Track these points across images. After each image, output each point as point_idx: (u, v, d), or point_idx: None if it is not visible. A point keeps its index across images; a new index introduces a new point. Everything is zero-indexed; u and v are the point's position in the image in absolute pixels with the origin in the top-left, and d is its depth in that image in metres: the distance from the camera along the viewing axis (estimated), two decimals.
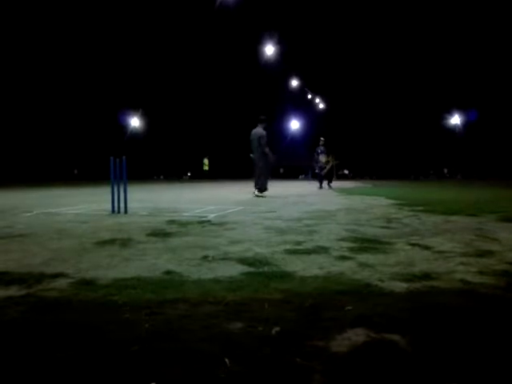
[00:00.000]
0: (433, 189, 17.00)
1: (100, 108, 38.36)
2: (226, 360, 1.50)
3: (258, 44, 30.44)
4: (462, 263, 2.99)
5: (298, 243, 3.79)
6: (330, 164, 19.89)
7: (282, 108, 42.86)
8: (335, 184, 22.51)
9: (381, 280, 2.55)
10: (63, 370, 1.45)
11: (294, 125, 45.32)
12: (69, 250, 3.52)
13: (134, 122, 41.24)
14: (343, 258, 3.19)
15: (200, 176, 40.76)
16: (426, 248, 3.57)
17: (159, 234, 4.39)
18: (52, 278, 2.64)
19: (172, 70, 41.38)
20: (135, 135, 41.17)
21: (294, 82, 38.05)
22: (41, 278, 2.63)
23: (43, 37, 33.95)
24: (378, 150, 44.42)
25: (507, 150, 36.49)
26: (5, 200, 9.85)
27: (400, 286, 2.42)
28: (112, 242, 3.92)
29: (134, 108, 39.99)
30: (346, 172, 45.64)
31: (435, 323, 1.86)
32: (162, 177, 45.02)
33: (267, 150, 11.07)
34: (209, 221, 5.51)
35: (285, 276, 2.65)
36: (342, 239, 4.00)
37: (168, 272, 2.77)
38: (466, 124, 41.17)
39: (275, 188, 16.25)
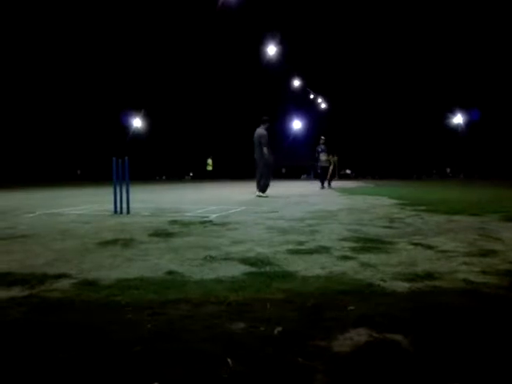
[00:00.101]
0: (435, 188, 16.97)
1: (102, 109, 38.42)
2: (229, 360, 1.50)
3: (260, 44, 30.46)
4: (465, 263, 2.99)
5: (300, 243, 3.79)
6: (332, 164, 19.90)
7: (284, 108, 42.87)
8: (337, 184, 22.51)
9: (383, 280, 2.55)
10: (66, 371, 1.46)
11: (296, 125, 45.31)
12: (71, 251, 3.53)
13: (137, 122, 41.31)
14: (345, 257, 3.19)
15: (202, 176, 40.77)
16: (429, 248, 3.56)
17: (161, 234, 4.40)
18: (55, 278, 2.64)
19: (174, 71, 41.43)
20: (137, 136, 41.23)
21: (296, 82, 38.06)
22: (43, 278, 2.64)
23: (45, 37, 34.03)
24: (381, 149, 44.35)
25: (510, 149, 36.39)
26: (7, 201, 9.88)
27: (402, 286, 2.41)
28: (114, 242, 3.93)
29: (136, 109, 40.06)
30: (348, 172, 45.57)
31: (437, 323, 1.86)
32: (164, 177, 45.07)
33: (265, 149, 11.07)
34: (211, 221, 5.51)
35: (287, 276, 2.65)
36: (344, 239, 4.00)
37: (170, 272, 2.77)
38: (468, 123, 41.08)
39: (277, 188, 16.24)
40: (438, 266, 2.92)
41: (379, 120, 43.20)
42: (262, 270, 2.83)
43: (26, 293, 2.34)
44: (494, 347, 1.62)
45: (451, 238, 4.02)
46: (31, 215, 6.38)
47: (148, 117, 41.42)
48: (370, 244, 3.72)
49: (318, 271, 2.78)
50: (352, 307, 2.05)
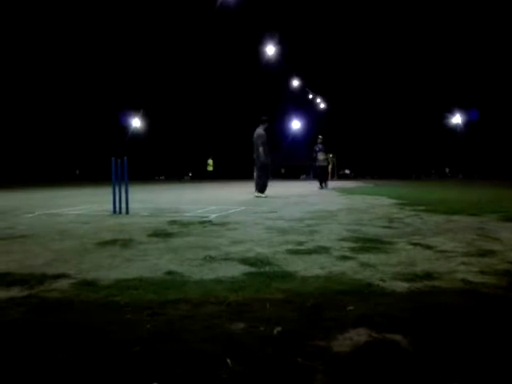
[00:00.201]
0: (434, 188, 16.98)
1: (101, 109, 38.39)
2: (228, 360, 1.50)
3: (259, 44, 30.47)
4: (464, 263, 2.99)
5: (300, 243, 3.79)
6: (331, 163, 19.90)
7: (284, 108, 42.88)
8: (336, 184, 22.51)
9: (382, 280, 2.55)
10: (65, 371, 1.46)
11: (296, 125, 45.31)
12: (70, 251, 3.53)
13: (136, 122, 41.28)
14: (345, 257, 3.19)
15: (201, 176, 40.76)
16: (428, 248, 3.57)
17: (161, 234, 4.40)
18: (54, 278, 2.64)
19: (173, 71, 41.42)
20: (136, 136, 41.21)
21: (295, 82, 38.07)
22: (42, 278, 2.63)
23: (45, 38, 34.00)
24: (380, 149, 44.38)
25: (509, 149, 36.43)
26: (6, 201, 9.87)
27: (401, 286, 2.42)
28: (113, 242, 3.93)
29: (135, 109, 40.04)
30: (348, 172, 45.59)
31: (437, 323, 1.86)
32: (162, 177, 45.05)
33: (261, 149, 11.07)
34: (210, 221, 5.51)
35: (286, 276, 2.65)
36: (344, 239, 4.00)
37: (170, 272, 2.77)
38: (467, 123, 41.12)
39: (276, 188, 16.25)
40: (437, 266, 2.92)
41: (378, 120, 43.23)
42: (262, 270, 2.83)
43: (25, 293, 2.34)
44: (492, 347, 1.62)
45: (450, 238, 4.02)
46: (30, 215, 6.37)
47: (147, 117, 41.39)
48: (369, 244, 3.72)
49: (317, 271, 2.78)
50: (351, 307, 2.05)
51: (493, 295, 2.25)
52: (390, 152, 44.15)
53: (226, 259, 3.17)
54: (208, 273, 2.77)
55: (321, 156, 17.43)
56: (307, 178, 36.48)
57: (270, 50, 30.06)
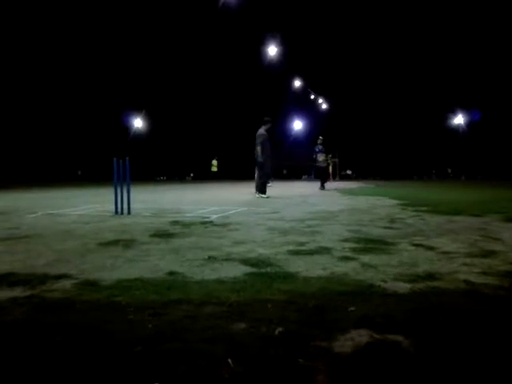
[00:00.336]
0: (436, 189, 16.96)
1: (103, 109, 38.46)
2: (230, 360, 1.50)
3: (261, 45, 30.49)
4: (466, 264, 2.99)
5: (301, 244, 3.79)
6: (331, 164, 19.92)
7: (286, 108, 42.90)
8: (338, 184, 22.50)
9: (384, 281, 2.55)
10: (67, 371, 1.46)
11: (297, 125, 45.28)
12: (72, 251, 3.53)
13: (137, 123, 41.32)
14: (346, 258, 3.19)
15: (203, 177, 40.78)
16: (430, 248, 3.56)
17: (162, 234, 4.40)
18: (56, 278, 2.65)
19: (175, 72, 41.47)
20: (138, 136, 41.25)
21: (298, 83, 38.09)
22: (45, 278, 2.64)
23: (46, 37, 34.08)
24: (382, 150, 44.35)
25: (511, 150, 36.37)
26: (9, 201, 9.89)
27: (403, 287, 2.42)
28: (115, 242, 3.94)
29: (137, 109, 40.08)
30: (349, 172, 45.56)
31: (438, 324, 1.86)
32: (164, 178, 45.08)
33: (258, 148, 11.08)
34: (212, 222, 5.52)
35: (288, 277, 2.66)
36: (345, 240, 4.00)
37: (171, 273, 2.78)
38: (469, 124, 41.05)
39: (278, 188, 16.26)
40: (439, 266, 2.92)
41: (380, 121, 43.20)
42: (263, 270, 2.83)
43: (28, 293, 2.35)
44: (494, 348, 1.62)
45: (452, 239, 4.02)
46: (33, 215, 6.38)
47: (149, 117, 41.44)
48: (371, 245, 3.72)
49: (319, 272, 2.78)
50: (353, 308, 2.05)
51: (495, 296, 2.25)
52: (391, 153, 44.13)
53: (227, 260, 3.17)
54: (210, 273, 2.77)
55: (320, 157, 17.36)
56: (309, 179, 36.44)
57: (272, 50, 30.09)
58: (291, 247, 3.63)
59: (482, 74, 37.51)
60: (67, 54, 36.24)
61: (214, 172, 33.04)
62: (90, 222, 5.52)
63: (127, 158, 6.63)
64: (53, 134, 36.96)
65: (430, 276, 2.64)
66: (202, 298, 2.22)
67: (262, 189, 11.04)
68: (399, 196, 10.99)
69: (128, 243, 3.89)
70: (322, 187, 16.71)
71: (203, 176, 40.88)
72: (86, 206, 8.30)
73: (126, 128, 40.80)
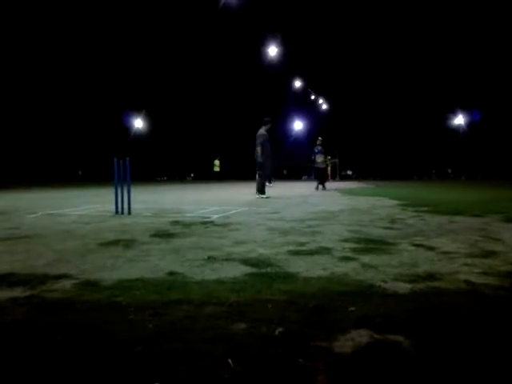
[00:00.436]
0: (436, 189, 16.96)
1: (104, 109, 38.47)
2: (230, 361, 1.50)
3: (261, 45, 30.51)
4: (466, 264, 2.99)
5: (302, 244, 3.79)
6: (329, 165, 19.90)
7: (286, 109, 42.91)
8: (338, 185, 22.49)
9: (384, 281, 2.55)
10: (67, 371, 1.46)
11: (298, 125, 45.29)
12: (73, 251, 3.53)
13: (138, 123, 41.34)
14: (346, 258, 3.19)
15: (204, 177, 40.79)
16: (430, 249, 3.56)
17: (163, 234, 4.40)
18: (56, 279, 2.65)
19: (176, 72, 41.48)
20: (139, 136, 41.27)
21: (298, 83, 38.09)
22: (45, 279, 2.64)
23: (46, 38, 34.09)
24: (382, 150, 44.34)
25: (511, 150, 36.36)
26: (9, 201, 9.89)
27: (404, 287, 2.41)
28: (116, 243, 3.94)
29: (137, 110, 40.09)
30: (350, 173, 45.56)
31: (439, 324, 1.86)
32: (165, 178, 45.10)
33: (258, 149, 11.08)
34: (212, 222, 5.52)
35: (288, 277, 2.66)
36: (346, 240, 4.00)
37: (172, 273, 2.78)
38: (469, 124, 41.04)
39: (278, 189, 16.26)
40: (440, 267, 2.92)
41: (380, 121, 43.19)
42: (264, 270, 2.83)
43: (28, 293, 2.35)
44: (494, 348, 1.62)
45: (452, 239, 4.01)
46: (33, 216, 6.39)
47: (149, 118, 41.45)
48: (371, 245, 3.72)
49: (319, 272, 2.78)
50: (353, 308, 2.05)
51: (495, 296, 2.25)
52: (392, 153, 44.12)
53: (227, 260, 3.17)
54: (210, 273, 2.77)
55: (319, 158, 17.23)
56: (309, 179, 36.44)
57: (273, 51, 30.11)
58: (291, 247, 3.63)
59: (482, 75, 37.50)
60: (68, 55, 36.26)
61: (217, 172, 32.98)
62: (91, 222, 5.52)
63: (127, 159, 6.63)
64: (53, 134, 36.96)
65: (430, 276, 2.64)
66: (202, 298, 2.22)
67: (261, 189, 11.04)
68: (399, 196, 10.99)
69: (128, 243, 3.89)
70: (322, 188, 16.60)
71: (204, 176, 40.91)
72: (86, 206, 8.30)
73: (127, 128, 40.82)
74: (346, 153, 42.33)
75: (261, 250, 3.51)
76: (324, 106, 43.85)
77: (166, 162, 45.91)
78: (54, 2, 33.47)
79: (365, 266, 2.95)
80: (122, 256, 3.33)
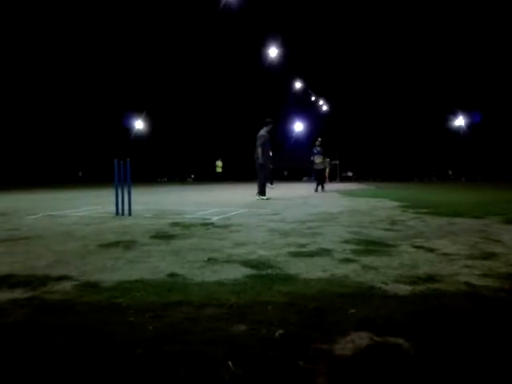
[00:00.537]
0: (437, 191, 16.95)
1: (104, 111, 38.50)
2: (230, 363, 1.50)
3: (262, 46, 30.57)
4: (467, 266, 2.99)
5: (302, 246, 3.79)
6: (327, 167, 19.79)
7: (286, 110, 42.94)
8: (339, 186, 22.50)
9: (384, 283, 2.55)
10: (68, 372, 1.46)
11: (298, 127, 45.30)
12: (73, 253, 3.53)
13: (138, 124, 41.35)
14: (347, 260, 3.19)
15: (205, 178, 40.80)
16: (431, 250, 3.56)
17: (163, 236, 4.40)
18: (56, 280, 2.65)
19: (176, 73, 41.52)
20: (139, 138, 41.28)
21: (298, 84, 38.13)
22: (45, 280, 2.64)
23: (48, 39, 34.13)
24: (382, 152, 44.35)
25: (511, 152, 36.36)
26: (10, 203, 9.90)
27: (404, 289, 2.41)
28: (116, 244, 3.94)
29: (138, 111, 40.11)
30: (350, 174, 45.56)
31: (439, 326, 1.86)
32: (165, 179, 45.10)
33: (259, 150, 11.08)
34: (213, 223, 5.52)
35: (288, 279, 2.65)
36: (346, 241, 4.00)
37: (172, 274, 2.78)
38: (470, 126, 41.04)
39: (279, 190, 16.25)
40: (440, 268, 2.92)
41: (381, 122, 43.21)
42: (264, 272, 2.83)
43: (28, 294, 2.35)
44: (495, 350, 1.62)
45: (453, 241, 4.01)
46: (33, 217, 6.39)
47: (150, 119, 41.48)
48: (371, 246, 3.72)
49: (319, 274, 2.78)
50: (353, 310, 2.05)
51: (495, 298, 2.25)
52: (392, 154, 44.12)
53: (228, 261, 3.17)
54: (210, 275, 2.77)
55: (318, 159, 16.94)
56: (309, 180, 36.48)
57: (273, 52, 30.15)
58: (292, 249, 3.63)
59: (482, 76, 37.51)
60: (68, 56, 36.29)
61: (219, 173, 32.93)
62: (91, 224, 5.52)
63: (128, 160, 6.64)
64: (53, 135, 36.98)
65: (430, 278, 2.64)
66: (202, 300, 2.22)
67: (262, 190, 11.03)
68: (400, 198, 10.99)
69: (129, 244, 3.89)
70: (321, 189, 16.36)
71: (204, 177, 40.92)
72: (86, 207, 8.30)
73: (127, 129, 40.84)
74: (346, 154, 42.36)
75: (261, 252, 3.51)
76: (324, 108, 43.89)
77: (167, 163, 45.91)
78: (55, 2, 33.51)
79: (365, 267, 2.95)
80: (123, 257, 3.33)
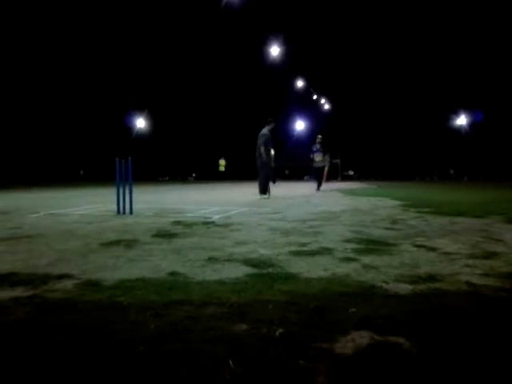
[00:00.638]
0: (438, 190, 16.93)
1: (106, 109, 38.54)
2: (230, 361, 1.50)
3: (263, 45, 30.57)
4: (468, 265, 2.99)
5: (303, 244, 3.79)
6: (327, 165, 19.58)
7: (288, 109, 42.95)
8: (340, 185, 22.48)
9: (385, 282, 2.55)
10: (69, 371, 1.47)
11: (300, 125, 45.28)
12: (74, 251, 3.54)
13: (140, 123, 41.38)
14: (348, 259, 3.19)
15: (206, 177, 40.81)
16: (432, 250, 3.56)
17: (164, 235, 4.41)
18: (58, 278, 2.66)
19: (178, 72, 41.53)
20: (141, 136, 41.31)
21: (300, 83, 38.13)
22: (47, 278, 2.65)
23: (49, 38, 34.15)
24: (383, 151, 44.32)
25: None
26: (11, 201, 9.92)
27: (405, 288, 2.42)
28: (117, 243, 3.94)
29: (139, 109, 40.14)
30: (351, 173, 45.54)
31: (440, 325, 1.86)
32: (166, 178, 45.14)
33: (262, 149, 11.07)
34: (214, 222, 5.52)
35: (289, 277, 2.66)
36: (347, 240, 4.00)
37: (173, 273, 2.78)
38: (472, 125, 40.99)
39: (280, 189, 16.25)
40: (441, 268, 2.92)
41: (382, 121, 43.18)
42: (265, 271, 2.83)
43: (30, 293, 2.35)
44: (495, 349, 1.62)
45: (454, 240, 4.01)
46: (35, 215, 6.40)
47: (151, 117, 41.49)
48: (372, 246, 3.72)
49: (320, 273, 2.78)
50: (354, 309, 2.05)
51: (496, 298, 2.25)
52: (393, 153, 44.10)
53: (229, 260, 3.18)
54: (211, 274, 2.78)
55: (317, 157, 16.53)
56: (310, 179, 36.48)
57: (275, 50, 30.15)
58: (293, 248, 3.63)
59: (484, 75, 37.44)
60: (70, 54, 36.31)
61: (222, 172, 32.86)
62: (92, 222, 5.53)
63: (129, 158, 6.64)
64: (55, 133, 37.02)
65: (431, 277, 2.64)
66: (203, 299, 2.22)
67: (262, 189, 11.03)
68: (401, 197, 10.99)
69: (130, 243, 3.90)
70: (318, 189, 16.01)
71: (206, 176, 40.95)
72: (88, 205, 8.32)
73: (129, 128, 40.86)
74: (347, 153, 42.33)
75: (262, 251, 3.51)
76: (326, 106, 43.87)
77: (168, 162, 45.94)
78: (57, 1, 33.53)
79: (366, 266, 2.95)
80: (124, 256, 3.34)
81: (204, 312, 2.04)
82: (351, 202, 9.71)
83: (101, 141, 38.75)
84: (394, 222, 5.53)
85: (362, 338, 1.72)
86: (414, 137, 42.18)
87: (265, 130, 11.29)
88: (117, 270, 2.90)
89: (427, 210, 7.16)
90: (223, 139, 43.64)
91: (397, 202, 9.02)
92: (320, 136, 16.88)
